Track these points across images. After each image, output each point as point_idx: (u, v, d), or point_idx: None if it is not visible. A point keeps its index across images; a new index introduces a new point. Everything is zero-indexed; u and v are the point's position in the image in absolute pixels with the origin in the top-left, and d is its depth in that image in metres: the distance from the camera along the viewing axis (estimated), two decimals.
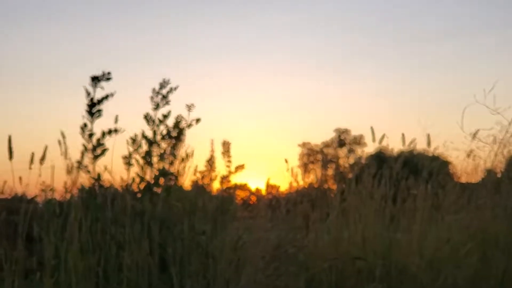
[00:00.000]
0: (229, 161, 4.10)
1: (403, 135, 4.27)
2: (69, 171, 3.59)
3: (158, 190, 3.78)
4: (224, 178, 4.10)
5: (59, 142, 3.54)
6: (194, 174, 4.01)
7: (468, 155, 4.56)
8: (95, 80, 3.60)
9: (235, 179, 4.19)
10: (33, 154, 3.35)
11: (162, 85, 4.00)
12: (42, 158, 3.38)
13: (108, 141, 3.67)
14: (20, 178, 3.42)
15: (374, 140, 4.29)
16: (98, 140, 3.63)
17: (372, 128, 4.29)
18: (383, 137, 4.30)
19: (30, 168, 3.36)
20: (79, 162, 3.61)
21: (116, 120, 3.63)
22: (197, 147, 4.10)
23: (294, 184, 4.48)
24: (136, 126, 3.97)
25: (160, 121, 3.97)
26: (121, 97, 3.81)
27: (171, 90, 4.00)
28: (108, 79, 3.64)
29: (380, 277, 3.73)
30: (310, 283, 3.76)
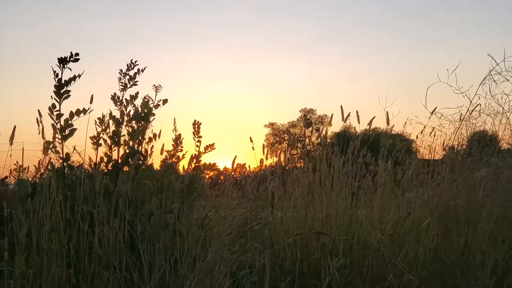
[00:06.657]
0: (199, 141, 4.14)
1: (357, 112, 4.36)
2: (44, 151, 3.63)
3: (126, 169, 3.84)
4: (194, 158, 4.14)
5: (37, 121, 3.59)
6: (161, 153, 4.06)
7: (430, 133, 4.69)
8: (63, 61, 3.63)
9: (205, 159, 4.23)
10: None
11: (130, 66, 4.05)
12: (11, 138, 3.44)
13: (79, 122, 3.72)
14: None
15: (343, 119, 4.35)
16: (66, 120, 3.67)
17: (341, 107, 4.35)
18: (348, 115, 4.36)
19: None
20: (49, 142, 3.66)
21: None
22: (167, 127, 4.17)
23: (261, 163, 4.55)
24: (106, 107, 4.02)
25: (128, 102, 4.03)
26: (94, 78, 3.84)
27: (138, 72, 4.06)
28: (76, 60, 3.66)
29: (343, 251, 3.87)
30: (275, 259, 3.87)
